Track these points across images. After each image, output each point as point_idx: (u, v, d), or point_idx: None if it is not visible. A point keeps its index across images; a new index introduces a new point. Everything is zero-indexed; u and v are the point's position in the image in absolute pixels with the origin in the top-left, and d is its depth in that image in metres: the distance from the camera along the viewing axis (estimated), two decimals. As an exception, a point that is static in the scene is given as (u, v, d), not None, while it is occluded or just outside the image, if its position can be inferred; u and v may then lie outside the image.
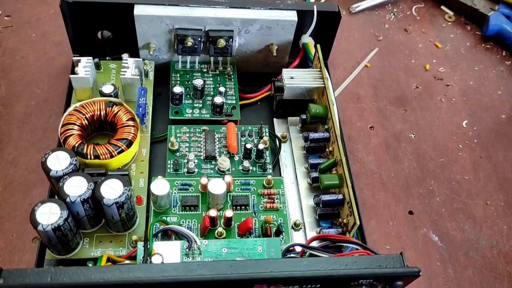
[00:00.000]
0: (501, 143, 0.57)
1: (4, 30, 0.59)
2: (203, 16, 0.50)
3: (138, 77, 0.48)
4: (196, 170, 0.47)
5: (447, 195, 0.52)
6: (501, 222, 0.51)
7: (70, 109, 0.45)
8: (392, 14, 0.69)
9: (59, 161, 0.39)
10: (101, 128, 0.47)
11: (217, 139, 0.49)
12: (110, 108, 0.46)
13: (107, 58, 0.53)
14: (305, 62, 0.56)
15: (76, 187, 0.38)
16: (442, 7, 0.71)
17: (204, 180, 0.44)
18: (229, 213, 0.42)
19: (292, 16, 0.52)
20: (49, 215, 0.36)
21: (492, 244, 0.50)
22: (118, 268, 0.34)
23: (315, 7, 0.53)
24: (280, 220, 0.45)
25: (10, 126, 0.51)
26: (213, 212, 0.42)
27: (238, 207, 0.45)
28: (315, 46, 0.53)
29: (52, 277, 0.32)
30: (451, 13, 0.70)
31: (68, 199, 0.37)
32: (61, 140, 0.43)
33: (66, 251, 0.40)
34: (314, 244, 0.42)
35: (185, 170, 0.47)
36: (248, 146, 0.47)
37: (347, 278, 0.35)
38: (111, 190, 0.38)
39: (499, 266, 0.48)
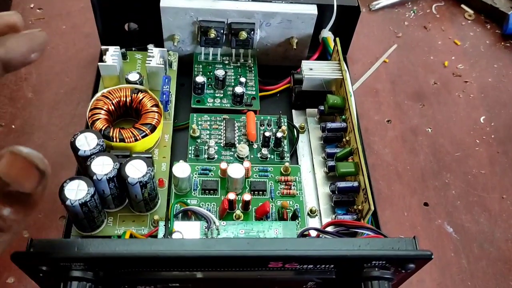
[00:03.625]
0: (518, 139, 0.57)
1: (37, 22, 0.62)
2: (226, 9, 0.52)
3: (163, 66, 0.50)
4: (216, 156, 0.49)
5: (462, 188, 0.53)
6: (517, 216, 0.51)
7: (98, 94, 0.47)
8: (411, 12, 0.70)
9: (87, 142, 0.41)
10: (126, 114, 0.49)
11: (236, 127, 0.51)
12: (136, 94, 0.48)
13: (133, 49, 0.56)
14: (324, 56, 0.57)
15: (103, 166, 0.40)
16: (462, 5, 0.71)
17: (223, 165, 0.46)
18: (247, 196, 0.44)
19: (312, 10, 0.53)
20: (77, 191, 0.38)
21: (507, 237, 0.50)
22: (141, 241, 0.36)
23: (335, 1, 0.54)
24: (296, 206, 0.46)
25: (40, 112, 0.54)
26: (231, 195, 0.43)
27: (256, 192, 0.46)
28: (334, 40, 0.54)
29: (78, 247, 0.34)
30: (471, 11, 0.71)
31: (94, 177, 0.39)
32: (89, 124, 0.45)
33: (91, 228, 0.42)
34: (329, 229, 0.43)
35: (206, 156, 0.48)
36: (267, 134, 0.49)
37: (360, 259, 0.36)
38: (136, 170, 0.40)
39: (513, 258, 0.49)
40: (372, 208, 0.41)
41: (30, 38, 0.31)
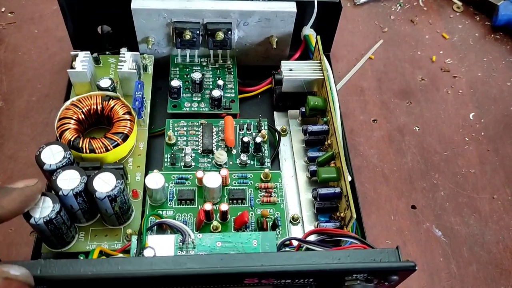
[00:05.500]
0: (509, 136, 0.55)
1: (8, 26, 0.60)
2: (201, 9, 0.49)
3: (135, 71, 0.48)
4: (193, 164, 0.47)
5: (451, 189, 0.51)
6: (508, 216, 0.50)
7: (67, 103, 0.45)
8: (398, 5, 0.67)
9: (53, 155, 0.39)
10: (98, 122, 0.47)
11: (214, 132, 0.49)
12: (107, 102, 0.46)
13: (107, 53, 0.53)
14: (307, 55, 0.55)
15: (69, 181, 0.38)
16: (450, -3, 0.69)
17: (199, 174, 0.44)
18: (224, 206, 0.42)
19: (291, 7, 0.51)
20: (42, 208, 0.36)
21: (498, 239, 0.48)
22: (108, 261, 0.34)
23: (315, -2, 0.52)
24: (277, 214, 0.44)
25: (11, 121, 0.52)
26: (208, 206, 0.41)
27: (235, 201, 0.44)
28: (316, 38, 0.52)
29: (41, 269, 0.32)
30: (459, 3, 0.68)
31: (60, 193, 0.37)
32: (57, 134, 0.43)
33: (61, 244, 0.40)
34: (312, 238, 0.41)
35: (182, 164, 0.46)
36: (245, 139, 0.47)
37: (341, 272, 0.34)
38: (104, 184, 0.38)
39: (504, 261, 0.47)
40: (355, 216, 0.40)
41: (25, 195, 0.33)
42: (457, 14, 0.67)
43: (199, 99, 0.51)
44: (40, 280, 0.32)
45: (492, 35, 0.65)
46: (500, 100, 0.59)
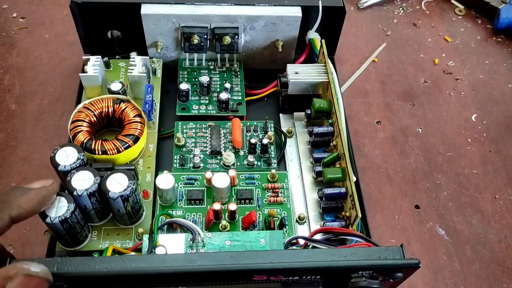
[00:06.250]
0: (510, 137, 0.56)
1: (19, 31, 0.61)
2: (209, 14, 0.51)
3: (145, 74, 0.49)
4: (201, 165, 0.48)
5: (454, 189, 0.52)
6: (510, 216, 0.51)
7: (79, 106, 0.47)
8: (401, 9, 0.69)
9: (67, 156, 0.40)
10: (109, 125, 0.48)
11: (222, 134, 0.50)
12: (118, 105, 0.47)
13: (117, 57, 0.55)
14: (312, 58, 0.56)
15: (83, 181, 0.39)
16: (452, 0, 0.70)
17: (208, 174, 0.45)
18: (232, 206, 0.43)
19: (297, 12, 0.52)
20: (57, 208, 0.37)
21: (500, 238, 0.49)
22: (121, 258, 0.35)
23: (320, 2, 0.53)
24: (284, 213, 0.45)
25: (24, 124, 0.53)
26: (217, 206, 0.43)
27: (243, 201, 0.45)
28: (320, 41, 0.54)
29: (58, 266, 0.33)
30: (461, 6, 0.69)
31: (75, 193, 0.38)
32: (70, 136, 0.45)
33: (74, 243, 0.41)
34: (318, 237, 0.42)
35: (191, 165, 0.48)
36: (253, 141, 0.48)
37: (347, 269, 0.35)
38: (117, 184, 0.39)
39: (507, 260, 0.48)
40: (360, 215, 0.41)
41: (42, 195, 0.34)
42: (459, 17, 0.69)
43: (207, 101, 0.52)
44: (57, 276, 0.33)
45: (494, 38, 0.66)
46: (502, 102, 0.60)
